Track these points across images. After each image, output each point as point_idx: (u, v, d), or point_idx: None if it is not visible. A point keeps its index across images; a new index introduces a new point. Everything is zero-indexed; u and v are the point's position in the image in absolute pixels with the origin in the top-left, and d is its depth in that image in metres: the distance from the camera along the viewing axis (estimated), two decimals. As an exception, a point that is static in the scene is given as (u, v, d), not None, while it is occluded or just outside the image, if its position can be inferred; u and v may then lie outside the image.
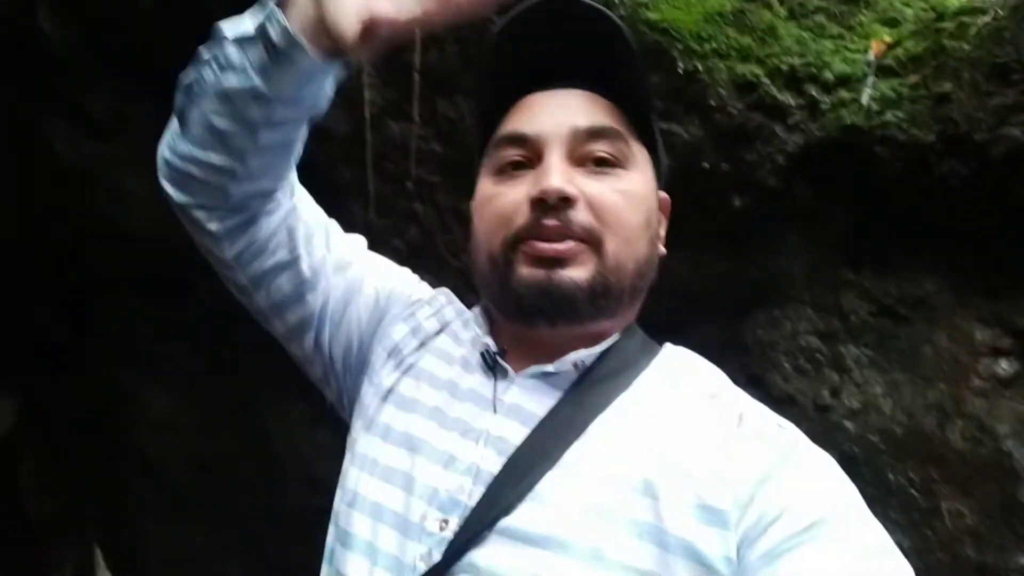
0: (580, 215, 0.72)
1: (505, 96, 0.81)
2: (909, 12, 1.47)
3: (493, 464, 0.70)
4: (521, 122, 0.78)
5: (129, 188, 2.03)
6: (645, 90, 0.83)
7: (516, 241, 0.74)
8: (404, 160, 1.76)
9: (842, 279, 1.52)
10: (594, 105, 0.77)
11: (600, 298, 0.73)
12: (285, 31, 0.68)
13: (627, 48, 0.77)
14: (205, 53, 0.76)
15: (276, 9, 0.69)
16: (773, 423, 0.71)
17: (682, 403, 0.73)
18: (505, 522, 0.66)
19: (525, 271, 0.73)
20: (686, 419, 0.71)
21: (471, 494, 0.69)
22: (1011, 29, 1.25)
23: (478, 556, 0.66)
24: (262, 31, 0.70)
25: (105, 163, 2.03)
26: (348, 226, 0.98)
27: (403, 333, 0.88)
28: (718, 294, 1.63)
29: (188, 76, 0.77)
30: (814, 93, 1.46)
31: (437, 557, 0.67)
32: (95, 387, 2.79)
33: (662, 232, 0.84)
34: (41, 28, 1.85)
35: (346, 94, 1.73)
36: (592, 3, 0.75)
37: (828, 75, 1.45)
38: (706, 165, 1.50)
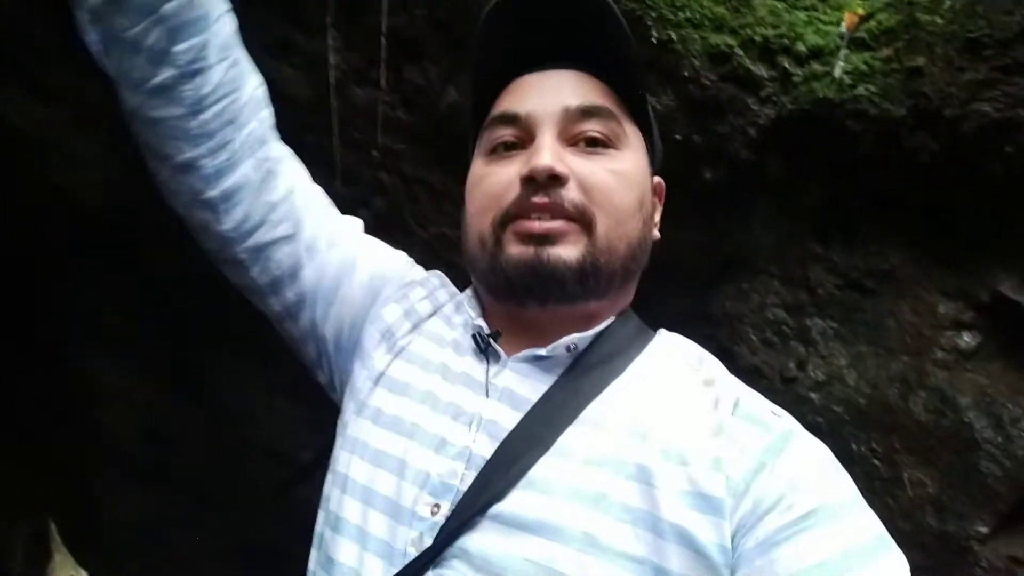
0: (571, 194, 0.72)
1: (498, 78, 0.80)
2: (882, -16, 1.46)
3: (485, 448, 0.69)
4: (513, 102, 0.77)
5: (79, 153, 1.94)
6: (639, 71, 0.82)
7: (505, 220, 0.73)
8: (370, 128, 1.71)
9: (810, 252, 1.53)
10: (586, 85, 0.76)
11: (589, 278, 0.72)
12: None
13: (619, 28, 0.75)
14: None
15: None
16: (768, 410, 0.71)
17: (677, 389, 0.72)
18: (497, 508, 0.65)
19: (514, 249, 0.72)
20: (681, 405, 0.70)
21: (463, 479, 0.68)
22: (984, 3, 1.25)
23: (470, 541, 0.65)
24: None
25: (54, 127, 1.94)
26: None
27: (396, 315, 0.87)
28: (687, 266, 1.63)
29: None
30: (787, 65, 1.44)
31: (428, 542, 0.66)
32: (45, 358, 2.71)
33: (656, 217, 0.84)
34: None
35: (309, 58, 1.67)
36: None
37: (801, 47, 1.44)
38: (678, 137, 1.49)
